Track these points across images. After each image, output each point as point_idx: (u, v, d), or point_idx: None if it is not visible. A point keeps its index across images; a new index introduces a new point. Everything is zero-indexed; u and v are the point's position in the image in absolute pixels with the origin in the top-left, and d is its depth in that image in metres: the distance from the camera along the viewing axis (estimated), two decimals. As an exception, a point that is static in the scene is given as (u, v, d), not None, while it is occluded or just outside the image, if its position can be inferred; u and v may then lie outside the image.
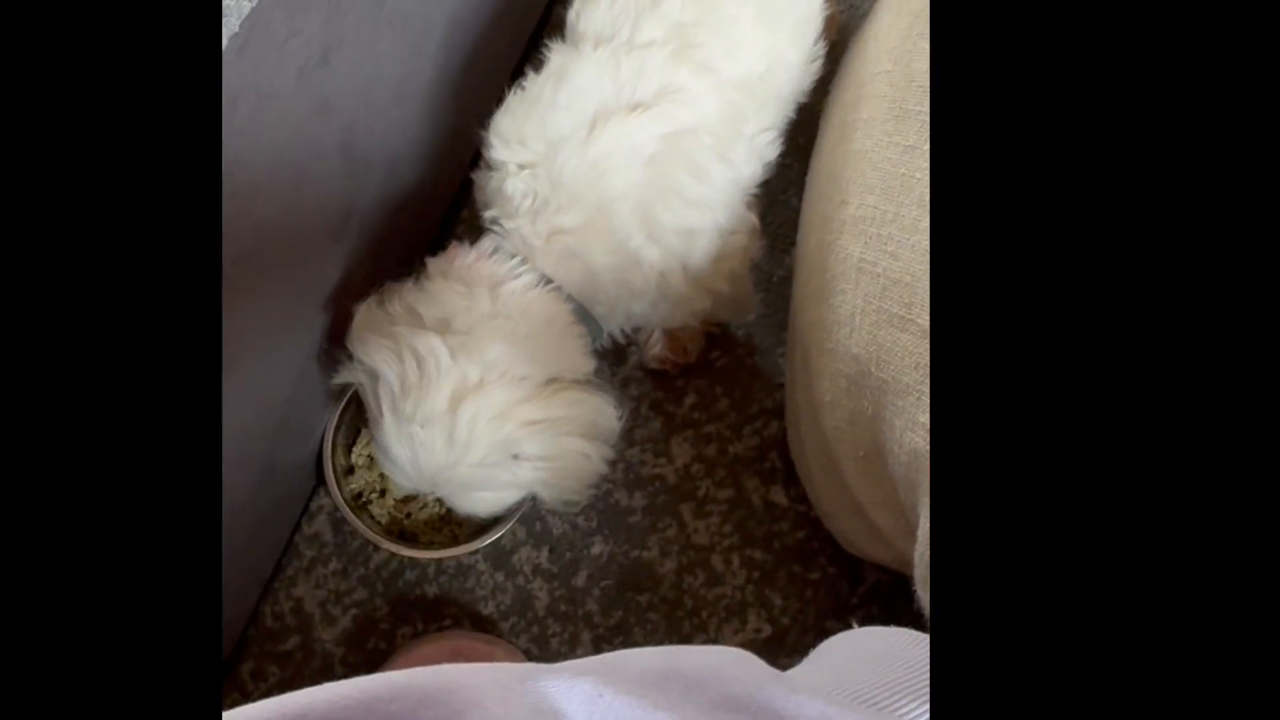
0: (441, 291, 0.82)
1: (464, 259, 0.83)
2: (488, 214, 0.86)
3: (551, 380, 0.82)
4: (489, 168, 0.85)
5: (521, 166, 0.81)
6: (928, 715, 0.40)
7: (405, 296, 0.84)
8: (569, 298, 0.84)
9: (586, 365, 0.86)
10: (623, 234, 0.81)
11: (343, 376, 0.88)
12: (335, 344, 0.92)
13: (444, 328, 0.80)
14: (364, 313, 0.85)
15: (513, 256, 0.83)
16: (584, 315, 0.86)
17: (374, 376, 0.82)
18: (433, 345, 0.78)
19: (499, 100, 0.85)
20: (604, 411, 0.86)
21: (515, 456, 0.81)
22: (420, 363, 0.79)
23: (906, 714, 0.40)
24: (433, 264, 0.86)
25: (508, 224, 0.83)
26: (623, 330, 0.95)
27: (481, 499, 0.85)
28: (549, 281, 0.83)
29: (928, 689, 0.40)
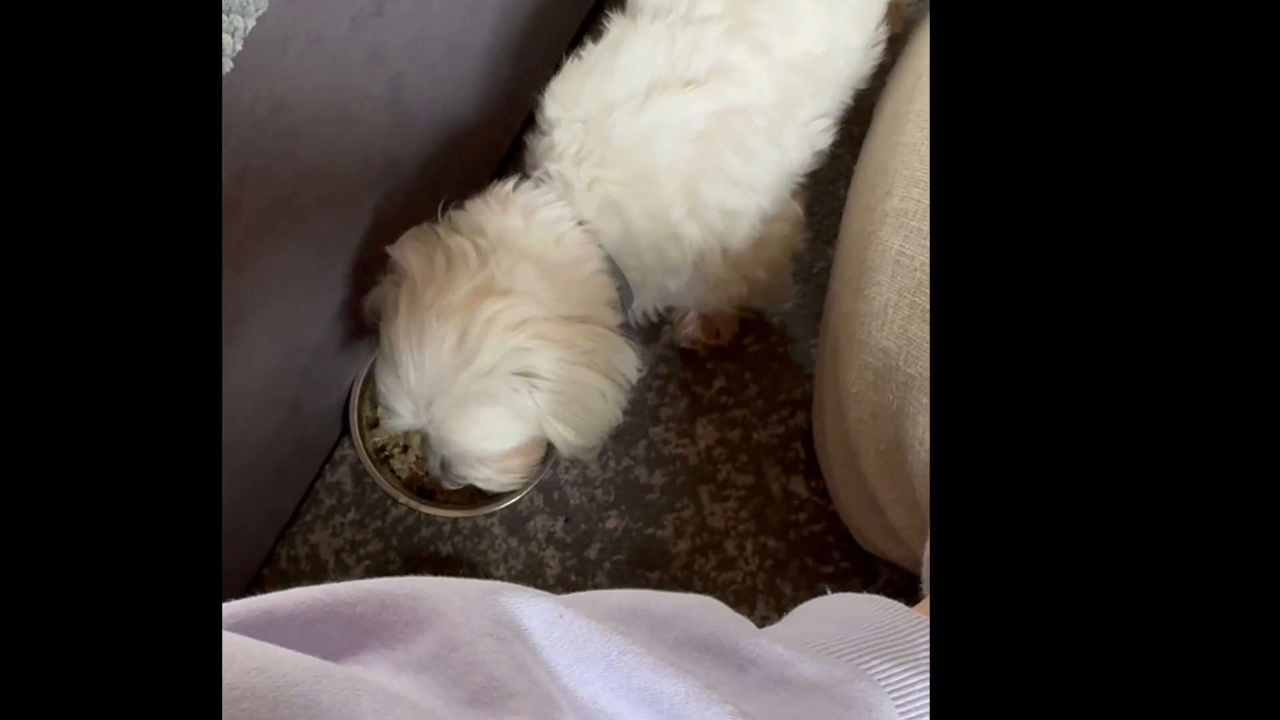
0: (477, 208, 0.81)
1: (503, 188, 0.81)
2: (534, 169, 0.84)
3: (573, 315, 0.78)
4: (541, 130, 0.84)
5: (573, 120, 0.80)
6: (895, 675, 0.39)
7: (449, 215, 0.82)
8: (601, 246, 0.81)
9: (612, 317, 0.82)
10: (665, 203, 0.80)
11: (370, 299, 0.85)
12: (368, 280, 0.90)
13: (477, 234, 0.78)
14: (411, 230, 0.83)
15: (550, 192, 0.80)
16: (615, 272, 0.83)
17: (399, 279, 0.80)
18: (464, 245, 0.76)
19: (555, 68, 0.85)
20: (624, 354, 0.82)
21: (525, 376, 0.76)
22: (449, 259, 0.77)
23: (870, 669, 0.39)
24: (464, 206, 0.83)
25: (551, 166, 0.81)
26: (657, 309, 0.94)
27: (476, 421, 0.78)
28: (584, 225, 0.80)
29: (894, 651, 0.40)
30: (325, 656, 0.31)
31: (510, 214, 0.78)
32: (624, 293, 0.84)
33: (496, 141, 1.07)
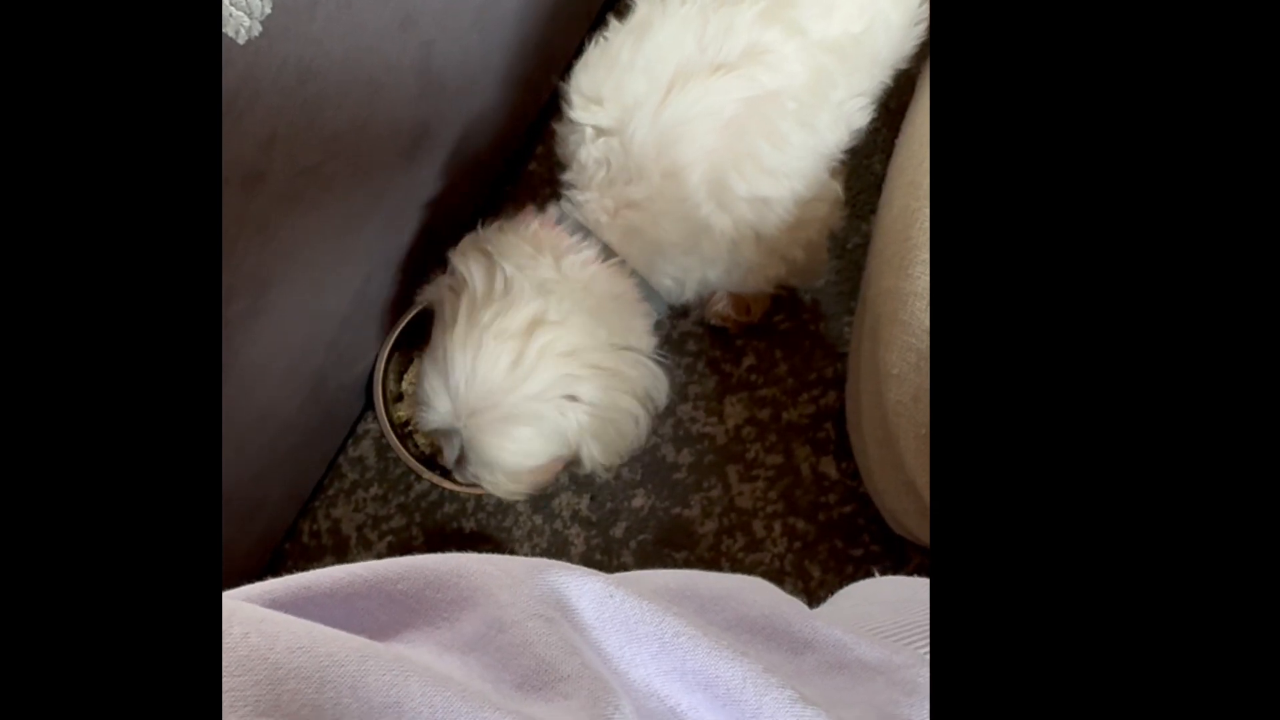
0: (513, 246, 0.83)
1: (530, 226, 0.84)
2: (564, 176, 0.85)
3: (616, 344, 0.82)
4: (569, 122, 0.83)
5: (598, 132, 0.80)
6: None
7: (493, 234, 0.85)
8: (633, 272, 0.83)
9: (650, 342, 0.86)
10: (692, 202, 0.79)
11: (425, 294, 0.89)
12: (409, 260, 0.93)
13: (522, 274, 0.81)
14: (470, 237, 0.87)
15: (578, 229, 0.82)
16: (648, 291, 0.85)
17: (460, 287, 0.83)
18: (520, 277, 0.80)
19: (583, 37, 0.83)
20: (659, 382, 0.86)
21: (570, 398, 0.80)
22: (509, 282, 0.80)
23: (927, 654, 0.38)
24: (506, 225, 0.86)
25: (579, 196, 0.82)
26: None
27: (515, 439, 0.82)
28: (612, 255, 0.82)
29: None
30: (367, 634, 0.30)
31: (541, 260, 0.81)
32: (656, 305, 0.87)
33: (525, 111, 1.05)
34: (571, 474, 1.02)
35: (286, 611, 0.29)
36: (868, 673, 0.36)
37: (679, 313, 1.05)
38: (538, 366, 0.79)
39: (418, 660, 0.28)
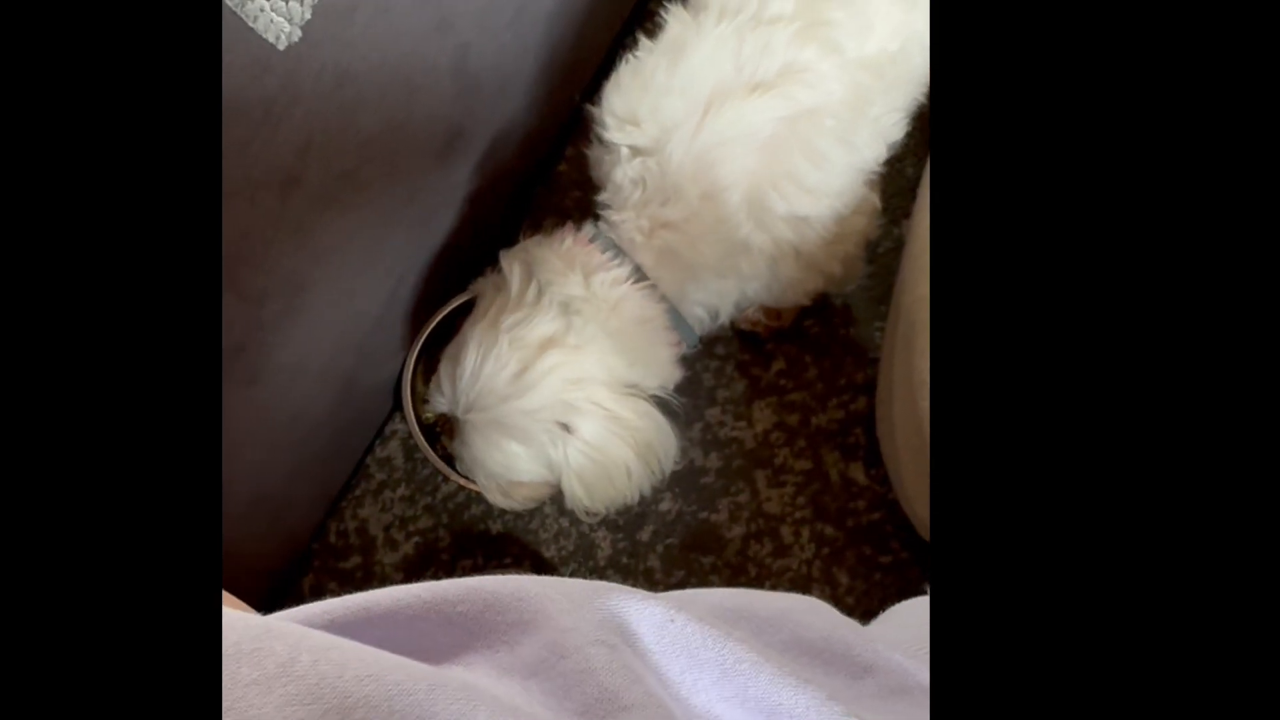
0: (546, 259, 0.82)
1: (564, 242, 0.83)
2: (599, 197, 0.85)
3: (633, 386, 0.81)
4: (602, 144, 0.82)
5: (634, 152, 0.79)
6: None
7: (532, 245, 0.85)
8: (663, 298, 0.82)
9: (673, 374, 0.85)
10: (730, 224, 0.78)
11: (475, 285, 0.90)
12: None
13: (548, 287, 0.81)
14: (521, 243, 0.87)
15: (611, 247, 0.81)
16: (677, 320, 0.83)
17: (501, 285, 0.84)
18: (554, 289, 0.80)
19: (613, 43, 0.82)
20: (666, 438, 0.84)
21: (565, 427, 0.80)
22: (540, 293, 0.80)
23: None
24: (544, 238, 0.86)
25: (614, 216, 0.82)
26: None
27: (502, 451, 0.82)
28: (644, 277, 0.81)
29: None
30: (426, 656, 0.30)
31: (571, 277, 0.80)
32: (686, 335, 0.85)
33: (559, 111, 1.05)
34: (599, 476, 1.02)
35: (346, 632, 0.29)
36: (929, 698, 0.36)
37: (708, 316, 1.05)
38: (540, 384, 0.79)
39: (484, 689, 0.28)
